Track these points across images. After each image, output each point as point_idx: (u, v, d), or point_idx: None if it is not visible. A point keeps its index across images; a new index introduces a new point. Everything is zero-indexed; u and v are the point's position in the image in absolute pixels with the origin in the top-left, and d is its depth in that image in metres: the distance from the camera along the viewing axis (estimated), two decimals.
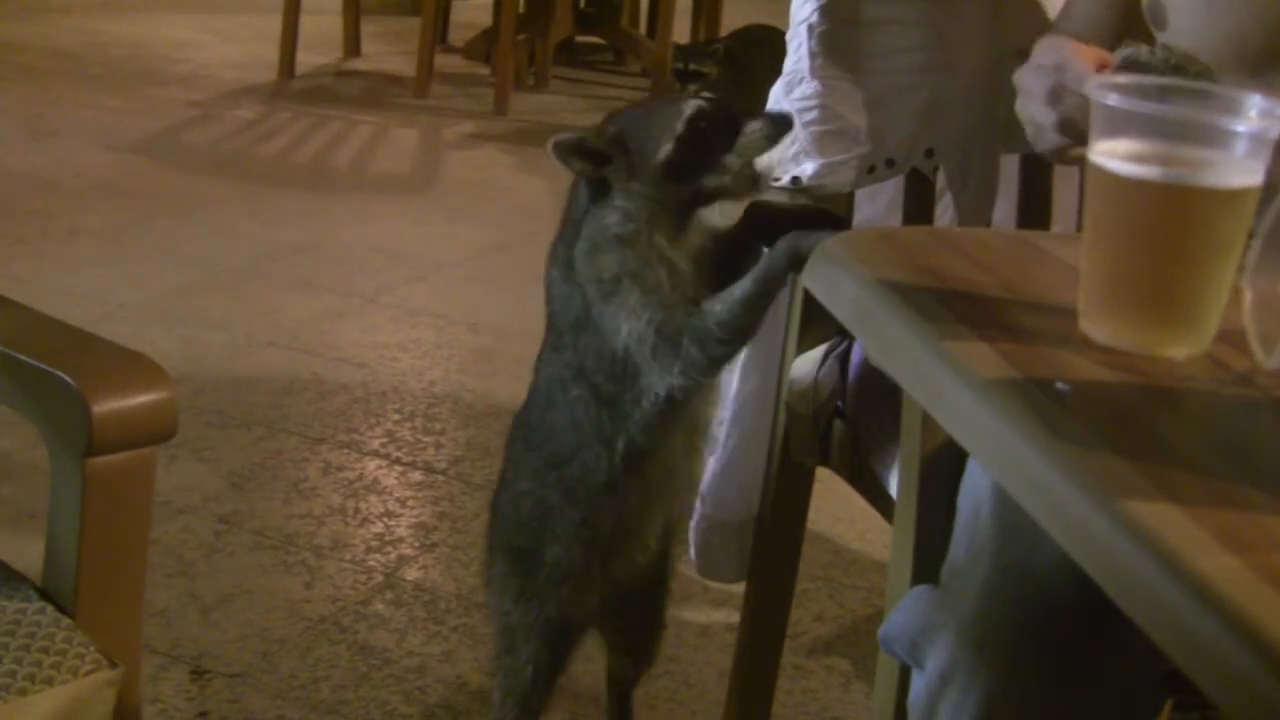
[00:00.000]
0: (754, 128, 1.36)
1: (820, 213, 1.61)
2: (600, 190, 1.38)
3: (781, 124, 1.38)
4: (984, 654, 1.14)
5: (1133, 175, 0.99)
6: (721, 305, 1.36)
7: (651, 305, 1.35)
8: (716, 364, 1.41)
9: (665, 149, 1.35)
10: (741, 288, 1.36)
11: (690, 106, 1.37)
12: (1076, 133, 1.35)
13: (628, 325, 1.36)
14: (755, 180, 1.39)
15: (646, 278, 1.36)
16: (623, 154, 1.36)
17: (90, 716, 1.20)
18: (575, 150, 1.37)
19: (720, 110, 1.38)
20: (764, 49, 4.85)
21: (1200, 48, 1.50)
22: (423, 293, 3.59)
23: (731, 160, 1.36)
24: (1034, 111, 1.38)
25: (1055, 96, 1.34)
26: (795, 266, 1.31)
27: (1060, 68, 1.33)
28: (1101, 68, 1.33)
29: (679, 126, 1.35)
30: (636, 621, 1.72)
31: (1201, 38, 1.50)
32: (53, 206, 3.99)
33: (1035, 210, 1.75)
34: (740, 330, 1.37)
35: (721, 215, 1.41)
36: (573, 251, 1.40)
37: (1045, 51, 1.37)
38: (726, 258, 1.44)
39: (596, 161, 1.37)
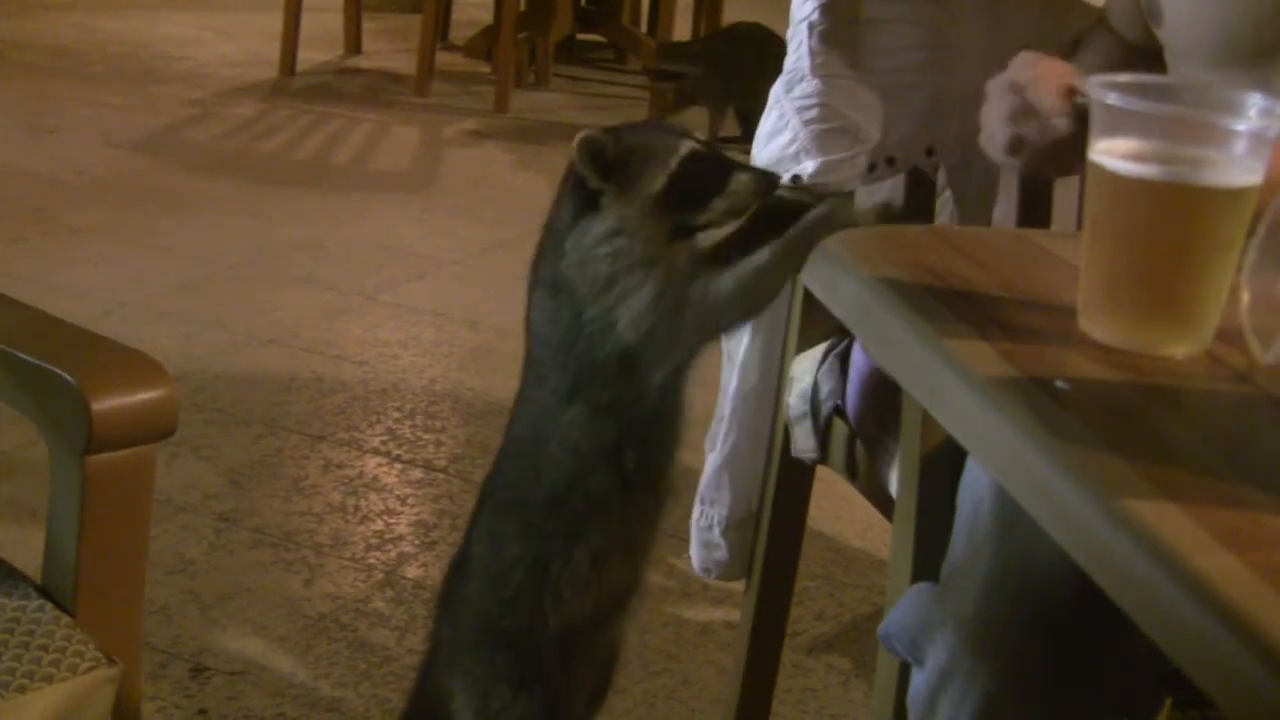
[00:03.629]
0: (742, 180, 1.36)
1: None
2: (587, 204, 1.37)
3: (767, 181, 1.38)
4: (984, 651, 1.14)
5: (1133, 174, 0.99)
6: (731, 275, 1.35)
7: (648, 284, 1.34)
8: (720, 333, 1.41)
9: (659, 181, 1.35)
10: (760, 256, 1.35)
11: (686, 146, 1.37)
12: (1022, 155, 1.35)
13: (624, 312, 1.34)
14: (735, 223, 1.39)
15: (639, 268, 1.35)
16: (624, 175, 1.36)
17: (90, 714, 1.20)
18: (597, 155, 1.35)
19: (712, 155, 1.39)
20: (749, 46, 4.86)
21: (1194, 43, 1.50)
22: (423, 290, 3.60)
23: (718, 204, 1.36)
24: (991, 122, 1.38)
25: (1015, 116, 1.33)
26: (828, 232, 1.31)
27: (1031, 87, 1.32)
28: (1069, 93, 1.32)
29: (673, 164, 1.35)
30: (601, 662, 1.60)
31: (1195, 33, 1.50)
32: (53, 204, 3.99)
33: (1035, 209, 1.75)
34: (750, 297, 1.36)
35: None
36: (559, 267, 1.38)
37: (1022, 67, 1.36)
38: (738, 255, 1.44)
39: (605, 173, 1.35)
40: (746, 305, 1.37)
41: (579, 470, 1.41)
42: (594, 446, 1.40)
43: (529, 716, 1.47)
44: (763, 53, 4.88)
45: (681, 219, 1.36)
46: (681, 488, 1.53)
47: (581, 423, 1.39)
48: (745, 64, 4.84)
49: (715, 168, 1.38)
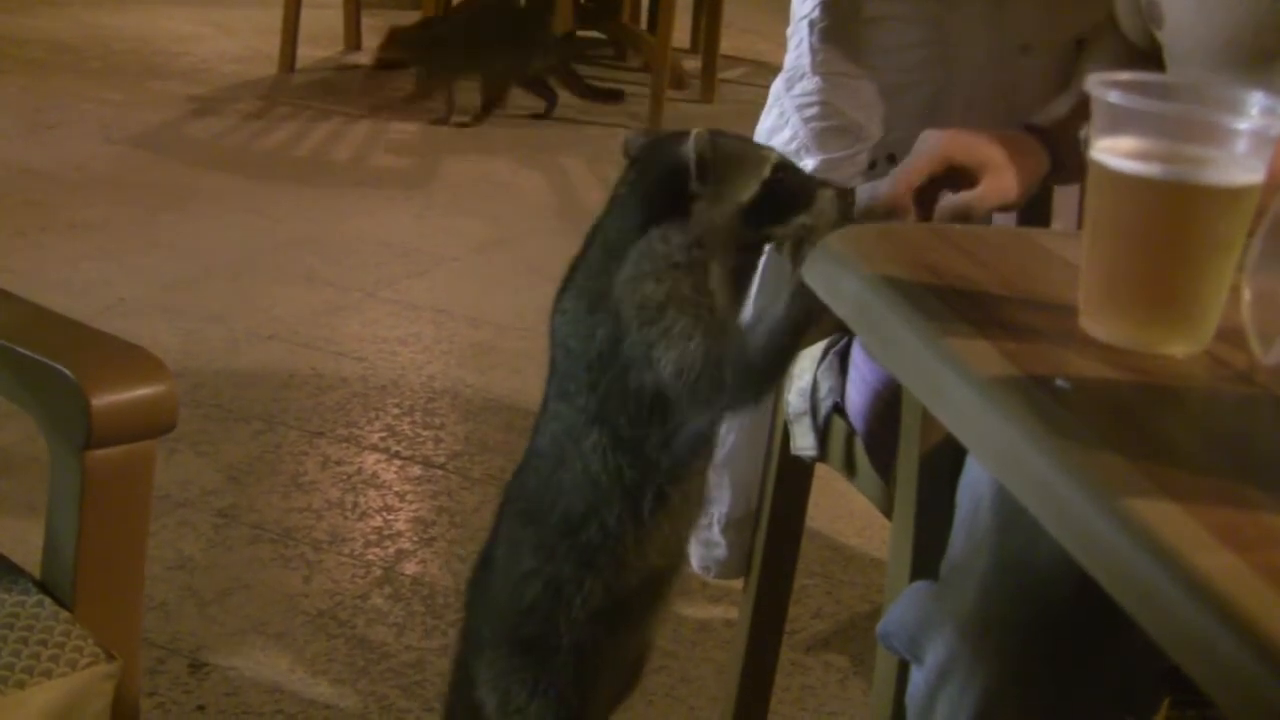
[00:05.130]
0: (827, 197, 1.35)
1: None
2: (674, 207, 1.31)
3: (846, 198, 1.37)
4: (983, 649, 1.14)
5: (1134, 173, 0.99)
6: (762, 329, 1.30)
7: (698, 330, 1.28)
8: (759, 395, 1.34)
9: (752, 189, 1.32)
10: (782, 305, 1.29)
11: (775, 155, 1.35)
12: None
13: (669, 352, 1.28)
14: (810, 241, 1.37)
15: (694, 305, 1.29)
16: (719, 179, 1.31)
17: (88, 709, 1.20)
18: (703, 156, 1.30)
19: (796, 167, 1.39)
20: (475, 20, 4.99)
21: (1195, 46, 1.51)
22: (422, 287, 3.59)
23: (803, 220, 1.34)
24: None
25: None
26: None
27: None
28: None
29: (766, 172, 1.33)
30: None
31: (1196, 36, 1.50)
32: (52, 200, 3.99)
33: (1035, 208, 1.75)
34: (782, 355, 1.30)
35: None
36: (610, 280, 1.32)
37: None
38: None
39: (703, 175, 1.31)
40: (780, 361, 1.32)
41: (596, 503, 1.36)
42: (613, 481, 1.35)
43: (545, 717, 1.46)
44: (490, 25, 5.03)
45: (764, 230, 1.33)
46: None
47: (604, 451, 1.34)
48: (461, 40, 4.97)
49: (802, 181, 1.36)
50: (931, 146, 1.54)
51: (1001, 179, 1.53)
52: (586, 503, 1.37)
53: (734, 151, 1.34)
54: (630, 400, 1.32)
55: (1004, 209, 1.57)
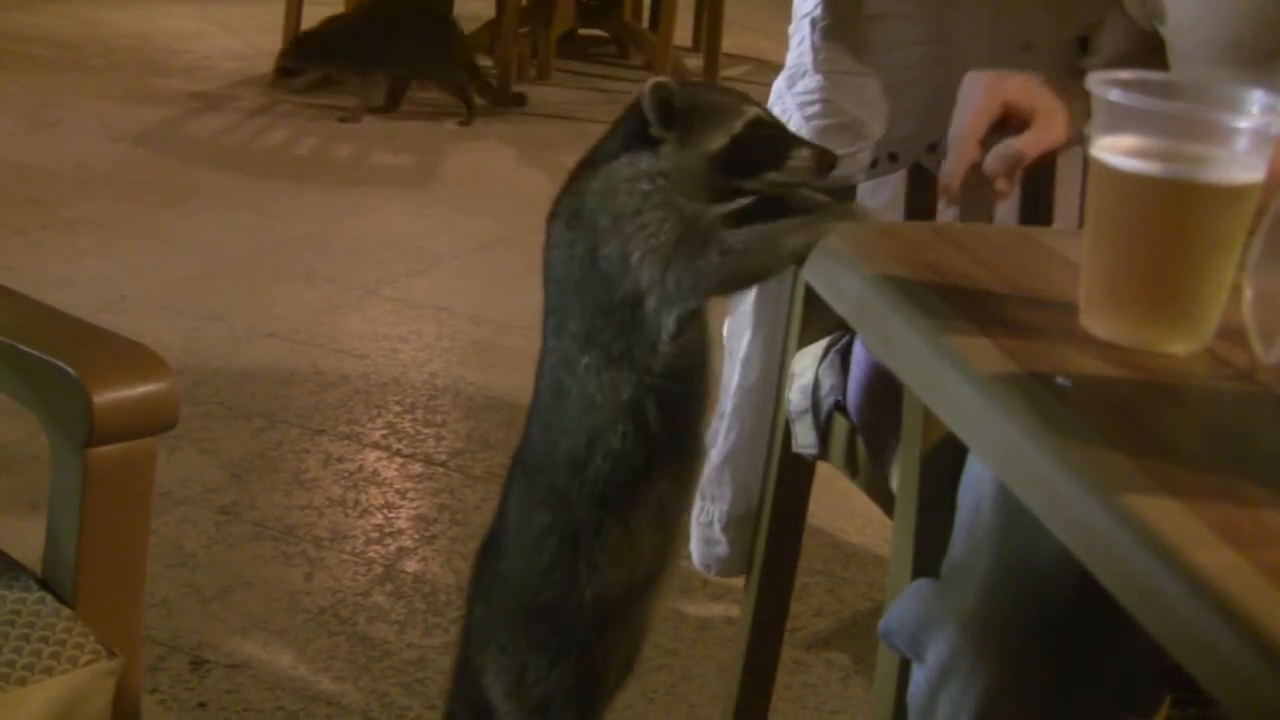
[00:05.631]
0: (802, 155, 1.36)
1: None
2: (642, 143, 1.35)
3: (825, 160, 1.38)
4: (985, 647, 1.14)
5: (1134, 171, 0.99)
6: (760, 227, 1.32)
7: (670, 221, 1.31)
8: (739, 284, 1.39)
9: (720, 141, 1.34)
10: (790, 219, 1.33)
11: (751, 112, 1.37)
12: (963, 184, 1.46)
13: (641, 244, 1.31)
14: (784, 199, 1.38)
15: (666, 207, 1.32)
16: (687, 126, 1.34)
17: (89, 706, 1.20)
18: (664, 103, 1.33)
19: (775, 124, 1.39)
20: (381, 16, 5.03)
21: (1196, 44, 1.50)
22: (424, 285, 3.60)
23: (773, 177, 1.36)
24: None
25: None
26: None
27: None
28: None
29: (737, 126, 1.35)
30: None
31: (1197, 34, 1.50)
32: (54, 197, 3.99)
33: (1037, 206, 1.75)
34: (775, 251, 1.32)
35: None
36: (584, 194, 1.36)
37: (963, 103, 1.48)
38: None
39: (668, 122, 1.34)
40: (770, 257, 1.33)
41: (598, 427, 1.36)
42: (611, 400, 1.35)
43: (564, 688, 1.44)
44: (400, 20, 5.06)
45: (732, 183, 1.35)
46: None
47: (597, 373, 1.35)
48: (380, 34, 5.00)
49: (778, 138, 1.38)
50: (985, 91, 1.49)
51: (1053, 124, 1.51)
52: (588, 431, 1.36)
53: (707, 102, 1.37)
54: (615, 312, 1.34)
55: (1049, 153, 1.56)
